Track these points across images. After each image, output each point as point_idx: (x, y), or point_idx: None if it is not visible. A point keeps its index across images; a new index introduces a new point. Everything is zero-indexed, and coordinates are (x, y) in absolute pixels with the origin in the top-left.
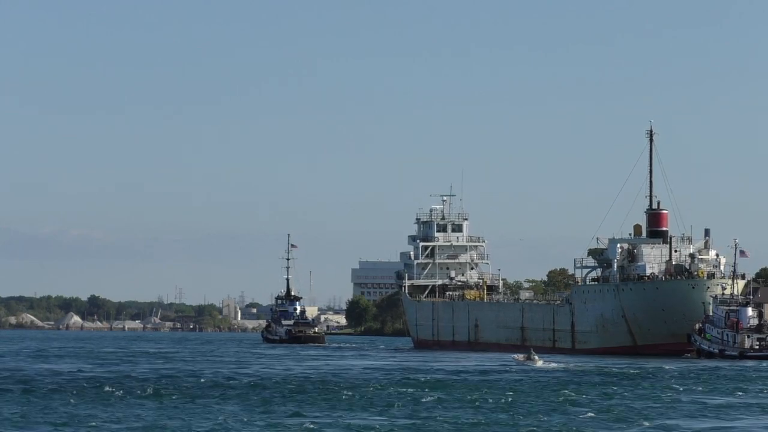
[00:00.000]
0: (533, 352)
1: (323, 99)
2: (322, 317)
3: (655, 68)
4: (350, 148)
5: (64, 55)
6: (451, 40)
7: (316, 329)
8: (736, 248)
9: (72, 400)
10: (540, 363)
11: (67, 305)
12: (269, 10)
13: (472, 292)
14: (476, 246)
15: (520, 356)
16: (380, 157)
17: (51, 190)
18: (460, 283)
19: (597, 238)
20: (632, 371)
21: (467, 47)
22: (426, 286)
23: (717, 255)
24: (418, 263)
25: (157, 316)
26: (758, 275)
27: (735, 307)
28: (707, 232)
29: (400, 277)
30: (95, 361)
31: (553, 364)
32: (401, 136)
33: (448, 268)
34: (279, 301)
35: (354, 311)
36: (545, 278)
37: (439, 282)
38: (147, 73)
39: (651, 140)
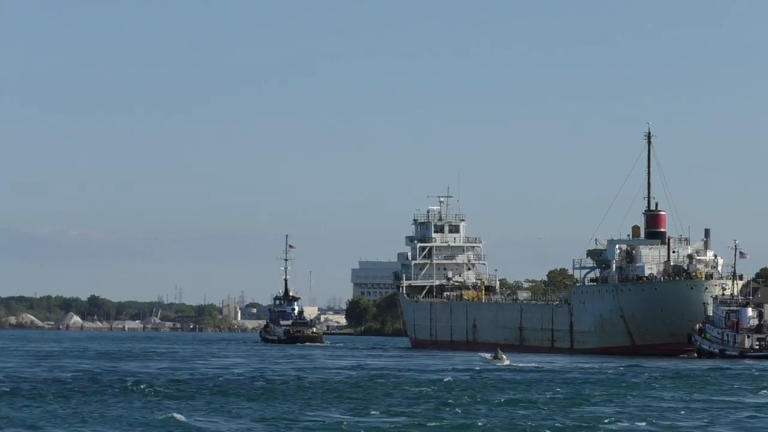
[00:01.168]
0: (500, 351)
1: (323, 99)
2: (322, 317)
3: (654, 68)
4: (350, 148)
5: (64, 55)
6: (451, 40)
7: (314, 329)
8: (735, 249)
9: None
10: (507, 362)
11: (67, 305)
12: (269, 10)
13: (470, 292)
14: (473, 247)
15: (488, 355)
16: (380, 157)
17: (51, 190)
18: (457, 284)
19: (596, 239)
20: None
21: (467, 47)
22: (423, 287)
23: (715, 256)
24: (415, 264)
25: (157, 316)
26: (758, 275)
27: (735, 308)
28: (707, 233)
29: (397, 277)
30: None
31: (521, 363)
32: (401, 136)
33: (445, 269)
34: (277, 302)
35: (354, 311)
36: (545, 278)
37: (437, 282)
38: (147, 73)
39: (649, 142)
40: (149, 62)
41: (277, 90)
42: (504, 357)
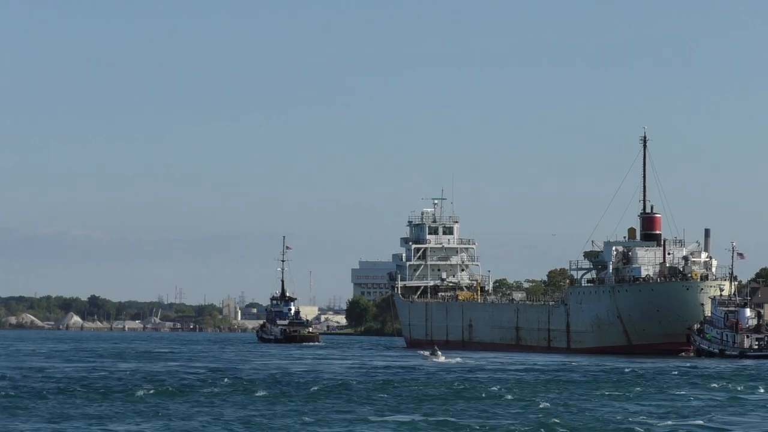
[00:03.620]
0: (437, 349)
1: (324, 99)
2: (322, 317)
3: (651, 70)
4: (351, 148)
5: (63, 55)
6: (448, 41)
7: (310, 329)
8: (733, 251)
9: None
10: (442, 359)
11: (67, 305)
12: (269, 10)
13: (465, 292)
14: (467, 248)
15: (426, 353)
16: (381, 158)
17: (51, 190)
18: (451, 284)
19: (592, 241)
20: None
21: (465, 49)
22: (418, 287)
23: (709, 257)
24: (410, 265)
25: (157, 316)
26: (758, 275)
27: (733, 308)
28: (707, 233)
29: (392, 278)
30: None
31: (458, 359)
32: (402, 135)
33: (439, 270)
34: (274, 302)
35: (354, 311)
36: (545, 278)
37: (431, 283)
38: (146, 74)
39: (644, 146)
40: (148, 62)
41: (276, 90)
42: (440, 354)
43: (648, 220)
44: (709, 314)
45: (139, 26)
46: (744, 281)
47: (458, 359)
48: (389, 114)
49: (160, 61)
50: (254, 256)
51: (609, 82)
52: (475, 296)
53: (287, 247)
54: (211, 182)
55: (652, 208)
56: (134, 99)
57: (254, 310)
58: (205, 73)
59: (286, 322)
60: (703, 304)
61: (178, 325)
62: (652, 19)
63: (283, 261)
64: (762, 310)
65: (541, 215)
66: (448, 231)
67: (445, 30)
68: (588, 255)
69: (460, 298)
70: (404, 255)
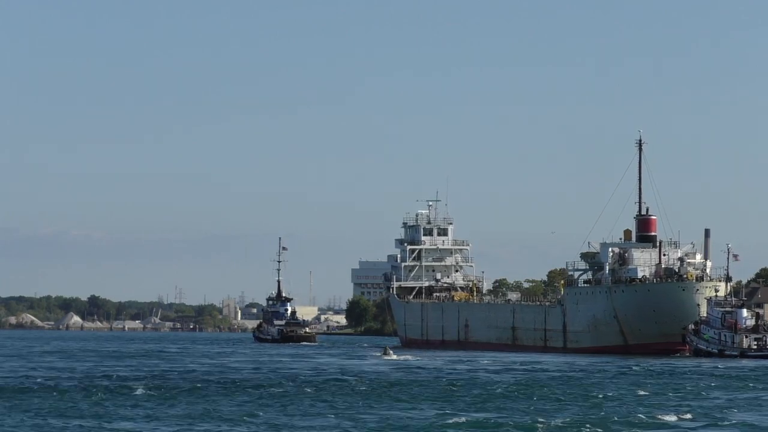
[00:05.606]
0: (388, 349)
1: (323, 99)
2: (322, 317)
3: (650, 70)
4: (351, 148)
5: (63, 55)
6: (449, 41)
7: (307, 329)
8: (729, 252)
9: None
10: (394, 357)
11: (67, 305)
12: (268, 10)
13: (461, 293)
14: (461, 249)
15: (380, 353)
16: (381, 158)
17: (51, 190)
18: (446, 285)
19: (588, 243)
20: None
21: (467, 49)
22: (413, 288)
23: (705, 258)
24: (405, 266)
25: (157, 316)
26: (758, 275)
27: (730, 309)
28: (707, 233)
29: (387, 279)
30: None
31: (407, 357)
32: (402, 135)
33: (434, 270)
34: (270, 302)
35: (354, 311)
36: (545, 278)
37: (426, 284)
38: (145, 73)
39: (640, 149)
40: (148, 61)
41: (276, 91)
42: (392, 353)
43: (644, 222)
44: (705, 315)
45: (139, 26)
46: (743, 281)
47: (408, 357)
48: (389, 113)
49: (161, 61)
50: (254, 256)
51: (608, 82)
52: (471, 297)
53: (283, 248)
54: (211, 182)
55: (647, 210)
56: (134, 99)
57: (254, 310)
58: (205, 73)
59: (282, 322)
60: (698, 305)
61: (178, 325)
62: (652, 19)
63: (279, 262)
64: (761, 311)
65: (540, 215)
66: (443, 232)
67: (445, 30)
68: (585, 256)
69: (456, 298)
70: (399, 256)
